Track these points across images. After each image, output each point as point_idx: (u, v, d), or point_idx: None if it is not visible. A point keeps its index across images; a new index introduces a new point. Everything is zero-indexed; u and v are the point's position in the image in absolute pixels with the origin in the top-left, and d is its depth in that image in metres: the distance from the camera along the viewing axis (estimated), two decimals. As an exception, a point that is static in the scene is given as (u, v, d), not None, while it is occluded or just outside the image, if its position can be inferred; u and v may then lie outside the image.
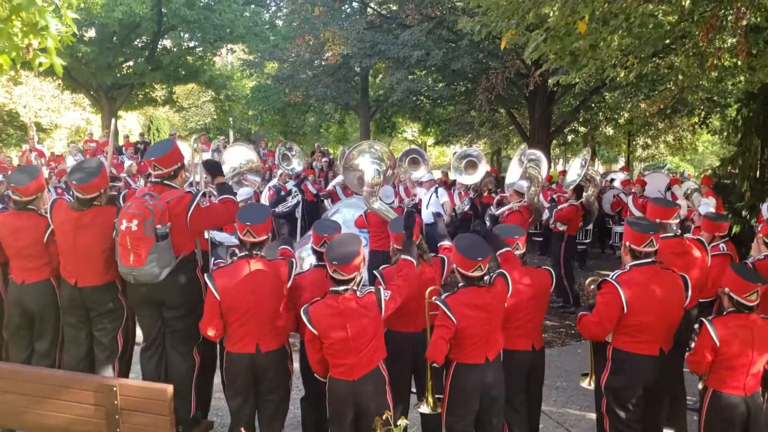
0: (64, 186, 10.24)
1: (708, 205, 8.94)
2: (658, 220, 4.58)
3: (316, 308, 3.69)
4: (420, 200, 10.31)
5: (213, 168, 4.95)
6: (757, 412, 3.71)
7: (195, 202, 4.28)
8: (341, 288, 3.68)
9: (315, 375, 3.94)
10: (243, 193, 7.64)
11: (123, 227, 4.02)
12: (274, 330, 4.01)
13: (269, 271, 3.97)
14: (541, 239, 12.60)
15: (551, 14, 6.43)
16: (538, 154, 9.05)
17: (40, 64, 4.21)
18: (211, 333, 3.97)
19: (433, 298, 3.91)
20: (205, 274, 4.05)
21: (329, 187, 13.11)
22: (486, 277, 3.89)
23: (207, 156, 6.58)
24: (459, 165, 10.46)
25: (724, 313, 3.75)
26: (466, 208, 10.38)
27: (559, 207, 8.96)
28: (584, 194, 9.06)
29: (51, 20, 3.87)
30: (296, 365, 4.35)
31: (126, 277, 4.20)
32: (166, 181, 4.37)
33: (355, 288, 3.72)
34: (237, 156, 6.83)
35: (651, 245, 3.92)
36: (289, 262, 4.13)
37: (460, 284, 3.87)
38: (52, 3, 4.14)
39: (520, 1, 6.34)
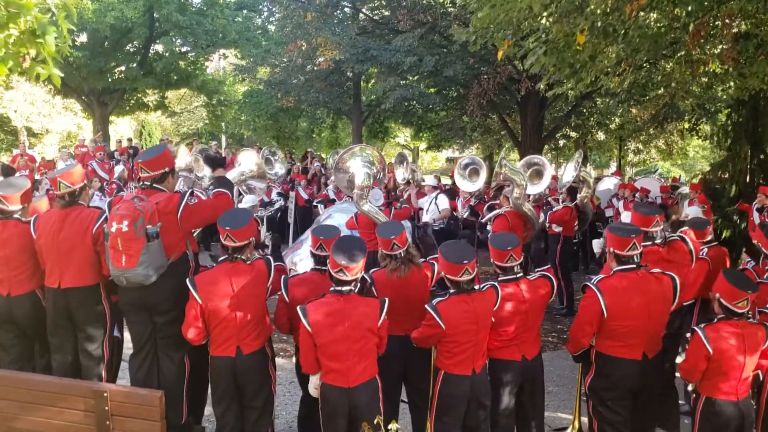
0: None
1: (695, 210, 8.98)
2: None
3: (315, 306, 3.69)
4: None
5: (213, 161, 5.02)
6: (749, 416, 3.74)
7: (184, 201, 4.33)
8: (345, 288, 3.70)
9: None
10: (249, 200, 7.66)
11: (113, 229, 4.02)
12: (255, 333, 4.02)
13: (249, 274, 3.99)
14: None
15: (548, 25, 6.47)
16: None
17: (38, 75, 4.19)
18: (191, 336, 3.99)
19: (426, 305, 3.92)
20: (187, 279, 4.05)
21: (323, 191, 13.11)
22: (477, 286, 3.92)
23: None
24: (462, 172, 10.50)
25: (715, 320, 3.76)
26: (466, 215, 10.41)
27: (553, 209, 9.10)
28: (578, 196, 9.15)
29: (48, 28, 3.83)
30: (290, 368, 4.32)
31: (118, 279, 4.18)
32: (154, 185, 4.41)
33: (355, 290, 3.74)
34: (248, 161, 6.82)
35: (635, 248, 3.94)
36: (266, 260, 4.16)
37: (450, 291, 3.89)
38: (49, 10, 4.10)
39: (517, 11, 6.36)
